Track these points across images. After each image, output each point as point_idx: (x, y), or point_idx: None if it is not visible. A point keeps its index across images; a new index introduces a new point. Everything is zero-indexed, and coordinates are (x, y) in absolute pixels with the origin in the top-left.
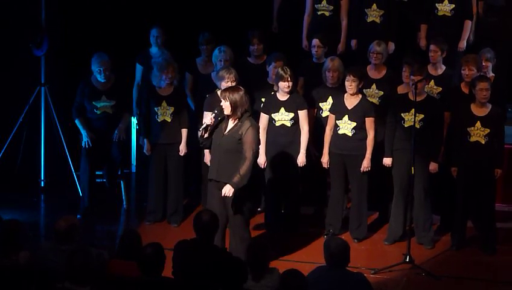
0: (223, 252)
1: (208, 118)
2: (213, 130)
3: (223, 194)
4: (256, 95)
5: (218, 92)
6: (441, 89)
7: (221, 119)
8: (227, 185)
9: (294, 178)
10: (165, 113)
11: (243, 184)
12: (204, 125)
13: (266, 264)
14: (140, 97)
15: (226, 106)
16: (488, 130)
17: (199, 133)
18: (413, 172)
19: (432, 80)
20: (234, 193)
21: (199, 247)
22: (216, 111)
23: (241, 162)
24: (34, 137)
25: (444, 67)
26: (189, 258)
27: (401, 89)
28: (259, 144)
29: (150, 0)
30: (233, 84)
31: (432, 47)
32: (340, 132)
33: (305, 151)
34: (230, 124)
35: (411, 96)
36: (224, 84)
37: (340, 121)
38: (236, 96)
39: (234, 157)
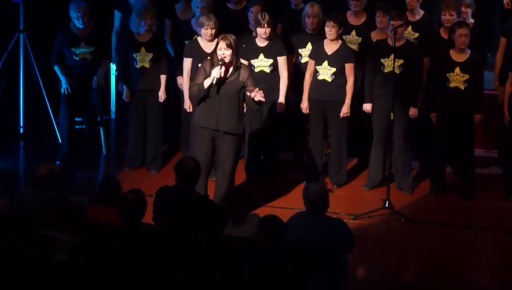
0: (204, 199)
1: (216, 71)
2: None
3: (253, 93)
4: None
5: (198, 39)
6: (418, 34)
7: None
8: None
9: (274, 124)
10: (143, 60)
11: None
12: (215, 80)
13: (246, 210)
14: (119, 44)
15: (229, 54)
16: (467, 76)
17: (206, 86)
18: (392, 118)
19: (410, 26)
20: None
21: (181, 193)
22: (220, 62)
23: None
24: (13, 84)
25: (422, 13)
26: (171, 205)
27: (374, 35)
28: None
29: None
30: (213, 31)
31: None
32: (319, 77)
33: (284, 98)
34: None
35: (390, 42)
36: (204, 31)
37: (319, 66)
38: (236, 43)
39: (234, 105)
